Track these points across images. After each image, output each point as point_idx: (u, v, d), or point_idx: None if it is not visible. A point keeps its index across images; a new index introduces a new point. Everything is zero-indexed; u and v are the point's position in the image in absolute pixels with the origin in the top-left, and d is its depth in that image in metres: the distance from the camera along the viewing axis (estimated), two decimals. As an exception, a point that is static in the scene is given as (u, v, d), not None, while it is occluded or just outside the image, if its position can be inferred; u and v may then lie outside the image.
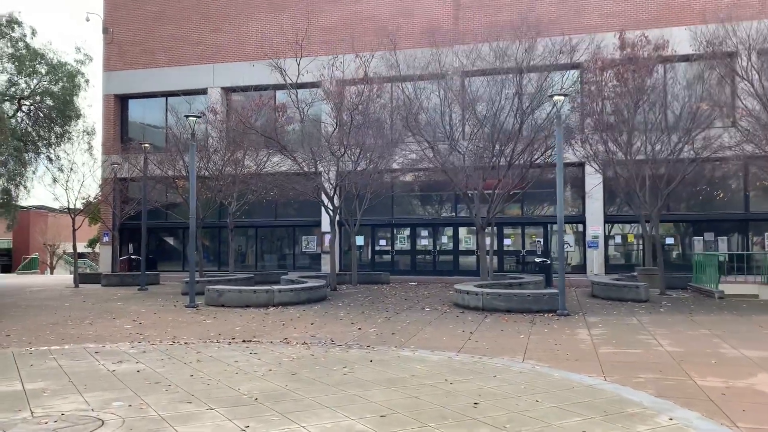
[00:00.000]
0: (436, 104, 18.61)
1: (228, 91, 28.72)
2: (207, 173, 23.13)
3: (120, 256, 30.58)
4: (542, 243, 28.07)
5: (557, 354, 9.64)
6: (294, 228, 30.90)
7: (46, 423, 5.89)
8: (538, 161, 18.41)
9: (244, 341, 10.98)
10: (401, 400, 6.67)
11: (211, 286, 16.94)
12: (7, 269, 47.42)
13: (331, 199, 20.21)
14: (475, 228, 29.03)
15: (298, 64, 18.20)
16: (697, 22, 21.31)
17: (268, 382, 7.56)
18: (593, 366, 8.72)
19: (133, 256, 31.50)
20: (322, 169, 20.49)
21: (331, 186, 21.02)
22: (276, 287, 16.61)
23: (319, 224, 29.52)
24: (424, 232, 29.32)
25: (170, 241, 33.79)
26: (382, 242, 29.86)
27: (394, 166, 21.57)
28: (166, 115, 29.74)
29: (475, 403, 6.50)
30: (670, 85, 18.78)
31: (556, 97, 13.93)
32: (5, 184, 23.99)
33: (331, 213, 20.73)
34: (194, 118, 16.23)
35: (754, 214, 25.40)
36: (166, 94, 29.88)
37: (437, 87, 18.42)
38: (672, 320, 13.02)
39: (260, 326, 13.11)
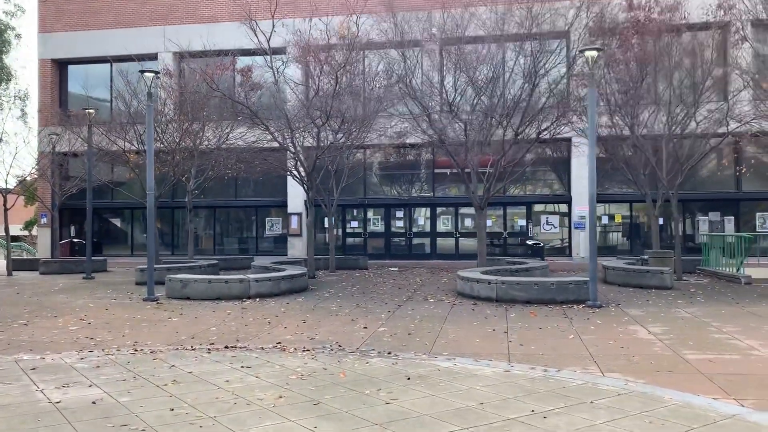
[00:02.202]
0: (433, 68, 16.40)
1: (181, 56, 25.62)
2: (161, 145, 20.28)
3: (60, 240, 27.32)
4: (526, 224, 26.37)
5: (636, 362, 7.66)
6: (256, 209, 28.29)
7: None
8: (545, 133, 16.40)
9: (227, 347, 8.63)
10: (500, 452, 4.53)
11: (173, 275, 14.37)
12: (-68, 254, 42.96)
13: (309, 174, 17.74)
14: (452, 209, 27.36)
15: (273, 15, 15.59)
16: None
17: (286, 420, 5.30)
18: (699, 381, 6.76)
19: (75, 240, 28.34)
20: (297, 141, 17.96)
21: (305, 159, 18.54)
22: (252, 276, 14.18)
23: (284, 204, 27.04)
24: (399, 213, 27.19)
25: (116, 222, 30.67)
26: (354, 224, 27.62)
27: (383, 140, 19.22)
28: (112, 83, 26.58)
29: (613, 457, 4.41)
30: (689, 50, 16.99)
31: (587, 53, 11.89)
32: None
33: (309, 192, 18.27)
34: (150, 74, 13.54)
35: (746, 194, 24.36)
36: (111, 60, 26.64)
37: (434, 48, 16.16)
38: (727, 312, 11.27)
39: (241, 325, 10.74)
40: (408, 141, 19.06)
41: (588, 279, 12.27)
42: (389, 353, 8.13)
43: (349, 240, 27.42)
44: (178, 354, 8.18)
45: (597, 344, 8.71)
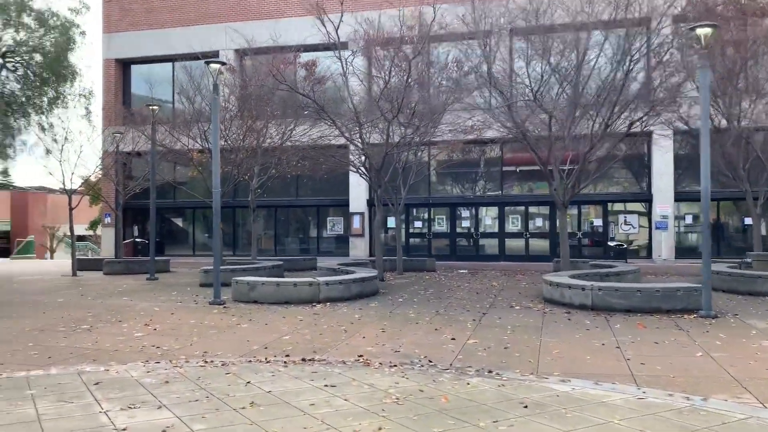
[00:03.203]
0: (514, 55, 15.23)
1: (243, 53, 25.09)
2: (225, 143, 19.73)
3: (124, 239, 27.28)
4: (604, 224, 24.83)
5: (797, 390, 6.37)
6: (317, 208, 27.61)
7: None
8: (636, 125, 15.00)
9: (304, 360, 7.73)
10: None
11: (239, 277, 13.65)
12: (5, 253, 44.06)
13: (378, 172, 16.79)
14: (522, 208, 26.01)
15: (342, 3, 14.73)
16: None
17: (395, 463, 4.31)
18: None
19: (138, 239, 28.30)
20: (364, 137, 17.05)
21: (368, 155, 17.60)
22: (322, 279, 13.31)
23: (345, 204, 26.25)
24: (465, 213, 26.06)
25: (178, 222, 30.57)
26: (417, 224, 26.62)
27: (458, 135, 18.12)
28: (174, 82, 26.35)
29: None
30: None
31: (699, 30, 10.53)
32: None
33: (377, 190, 17.32)
34: (216, 65, 12.85)
35: None
36: (173, 59, 26.44)
37: (516, 33, 14.98)
38: None
39: (315, 334, 9.85)
40: (484, 135, 17.89)
41: (699, 285, 10.90)
42: (489, 372, 7.07)
43: (413, 240, 26.44)
44: (252, 367, 7.33)
45: (734, 364, 7.42)
